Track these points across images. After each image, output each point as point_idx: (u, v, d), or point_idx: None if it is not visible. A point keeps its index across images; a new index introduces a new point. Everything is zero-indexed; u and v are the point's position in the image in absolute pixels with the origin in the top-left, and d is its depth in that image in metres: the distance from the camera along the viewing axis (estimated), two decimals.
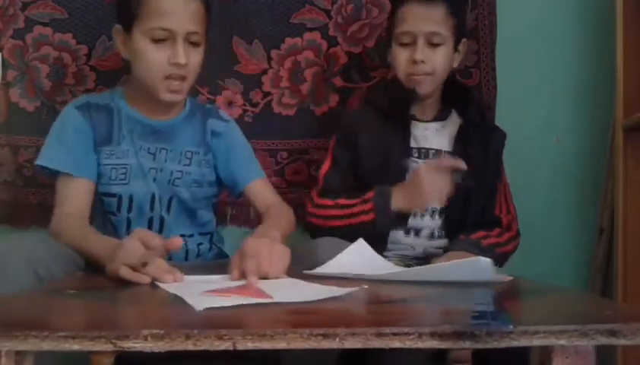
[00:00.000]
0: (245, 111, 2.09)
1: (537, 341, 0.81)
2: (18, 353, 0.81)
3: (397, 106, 1.80)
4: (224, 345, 0.78)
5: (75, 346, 0.77)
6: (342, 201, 1.71)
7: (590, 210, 2.14)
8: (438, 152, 1.81)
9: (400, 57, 1.77)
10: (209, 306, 0.97)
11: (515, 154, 2.04)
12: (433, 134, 1.84)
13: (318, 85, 2.11)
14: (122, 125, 1.70)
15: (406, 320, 0.94)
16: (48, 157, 1.65)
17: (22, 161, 2.03)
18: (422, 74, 1.75)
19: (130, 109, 1.72)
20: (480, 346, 0.80)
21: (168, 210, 1.73)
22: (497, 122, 2.08)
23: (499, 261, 1.69)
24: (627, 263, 1.89)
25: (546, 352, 0.86)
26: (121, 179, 1.68)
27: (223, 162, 1.80)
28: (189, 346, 0.78)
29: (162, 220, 1.72)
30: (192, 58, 1.64)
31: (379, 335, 0.79)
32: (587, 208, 2.15)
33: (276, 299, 1.05)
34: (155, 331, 0.78)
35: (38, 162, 1.66)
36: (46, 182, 2.02)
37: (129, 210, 1.69)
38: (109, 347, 0.78)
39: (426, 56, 1.73)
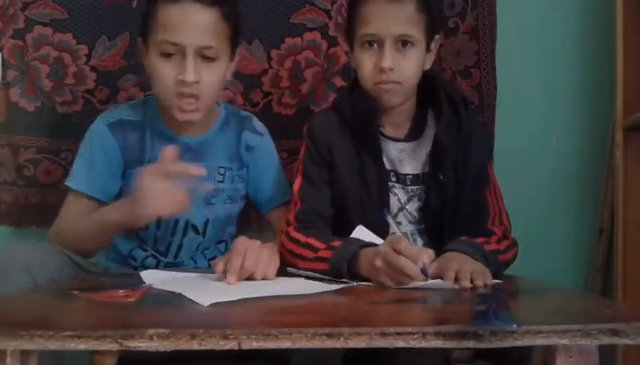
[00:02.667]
0: (238, 109, 2.09)
1: (540, 341, 0.81)
2: (23, 352, 0.82)
3: (362, 118, 1.59)
4: (229, 345, 0.78)
5: (81, 345, 0.77)
6: (312, 241, 1.47)
7: (590, 210, 2.14)
8: (414, 177, 1.62)
9: (365, 63, 1.54)
10: (215, 301, 0.98)
11: (515, 154, 2.05)
12: (409, 157, 1.64)
13: (318, 85, 2.11)
14: (155, 145, 1.63)
15: (410, 320, 0.94)
16: (78, 180, 1.61)
17: (22, 161, 2.03)
18: (391, 82, 1.53)
19: (163, 126, 1.64)
20: (483, 345, 0.80)
21: (204, 231, 1.70)
22: (497, 122, 2.09)
23: (500, 268, 1.50)
24: (627, 263, 1.89)
25: (549, 351, 0.86)
26: None
27: (253, 179, 1.75)
28: (194, 345, 0.78)
29: (179, 247, 1.70)
30: (206, 76, 1.51)
31: (383, 335, 0.79)
32: (587, 208, 2.15)
33: (274, 293, 1.10)
34: (160, 330, 0.78)
35: (69, 184, 1.62)
36: (47, 182, 2.03)
37: (157, 228, 1.66)
38: (115, 347, 0.78)
39: (395, 63, 1.51)
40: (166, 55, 1.50)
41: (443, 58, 2.10)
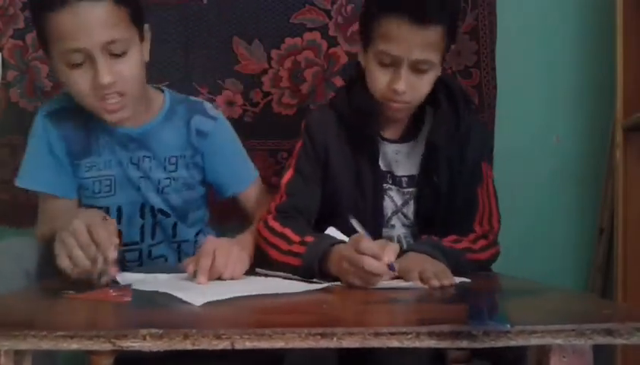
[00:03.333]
0: (245, 111, 2.09)
1: (534, 341, 0.81)
2: (17, 352, 0.82)
3: (360, 119, 1.57)
4: (222, 344, 0.78)
5: (74, 345, 0.77)
6: (287, 231, 1.45)
7: (590, 210, 2.14)
8: (410, 179, 1.61)
9: (379, 78, 1.50)
10: (208, 300, 0.99)
11: (515, 154, 2.05)
12: (405, 158, 1.63)
13: (318, 85, 2.11)
14: (99, 135, 1.57)
15: (403, 320, 0.94)
16: (25, 178, 1.58)
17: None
18: (402, 102, 1.51)
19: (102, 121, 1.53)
20: (477, 345, 0.80)
21: (159, 215, 1.65)
22: (497, 122, 2.09)
23: (467, 267, 1.44)
24: (627, 263, 1.89)
25: (544, 351, 0.86)
26: (107, 191, 1.58)
27: (210, 165, 1.67)
28: (188, 345, 0.78)
29: (154, 227, 1.66)
30: (121, 71, 1.41)
31: (377, 335, 0.79)
32: (587, 208, 2.15)
33: (266, 291, 1.12)
34: (153, 330, 0.78)
35: (18, 184, 1.58)
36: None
37: (119, 221, 1.60)
38: (108, 347, 0.78)
39: (410, 85, 1.47)
40: (74, 66, 1.38)
41: None
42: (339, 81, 2.10)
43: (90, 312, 0.97)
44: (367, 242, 1.23)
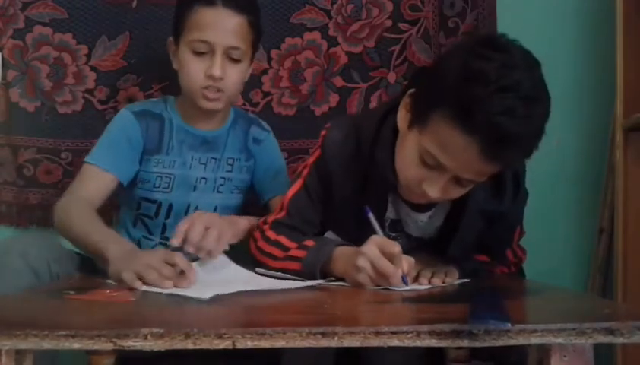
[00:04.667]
0: (245, 111, 2.09)
1: (534, 340, 0.81)
2: (18, 352, 0.82)
3: (380, 173, 1.40)
4: (224, 344, 0.78)
5: (75, 345, 0.77)
6: (282, 239, 1.43)
7: (590, 210, 2.14)
8: (419, 238, 1.50)
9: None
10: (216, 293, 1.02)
11: None
12: (419, 227, 1.50)
13: (318, 85, 2.11)
14: (173, 136, 1.77)
15: (404, 319, 0.94)
16: (98, 156, 1.68)
17: (22, 161, 2.03)
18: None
19: (181, 121, 1.78)
20: (477, 344, 0.81)
21: None
22: None
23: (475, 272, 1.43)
24: (627, 263, 1.89)
25: (544, 350, 0.86)
26: (165, 187, 1.75)
27: (261, 169, 1.87)
28: (189, 345, 0.78)
29: None
30: (230, 74, 1.66)
31: (378, 334, 0.79)
32: (587, 208, 2.15)
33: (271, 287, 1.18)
34: (155, 330, 0.78)
35: (88, 159, 1.68)
36: (47, 182, 2.03)
37: (167, 216, 1.77)
38: (109, 346, 0.78)
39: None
40: (197, 53, 1.64)
41: None
42: (339, 81, 2.10)
43: (91, 311, 0.97)
44: (400, 250, 1.23)
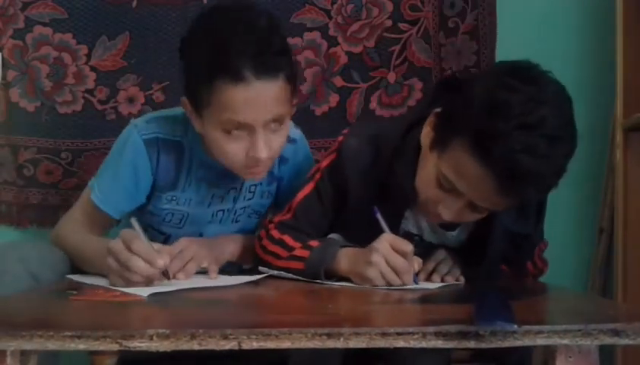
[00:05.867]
0: None
1: (540, 341, 0.81)
2: (23, 352, 0.82)
3: (399, 189, 1.38)
4: (229, 345, 0.78)
5: (81, 345, 0.77)
6: (286, 238, 1.41)
7: (591, 210, 2.14)
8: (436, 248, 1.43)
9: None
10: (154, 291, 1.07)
11: None
12: (447, 238, 1.47)
13: (318, 85, 2.11)
14: (192, 171, 1.53)
15: (410, 319, 0.94)
16: (101, 195, 1.51)
17: (22, 161, 2.03)
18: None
19: (204, 154, 1.50)
20: (484, 345, 0.80)
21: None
22: None
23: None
24: (627, 263, 1.90)
25: (550, 351, 0.86)
26: (176, 223, 1.58)
27: (287, 185, 1.64)
28: (194, 345, 0.78)
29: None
30: (275, 144, 1.39)
31: (383, 335, 0.79)
32: (587, 208, 2.15)
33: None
34: (161, 330, 0.78)
35: (93, 197, 1.51)
36: (47, 182, 2.03)
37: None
38: (115, 347, 0.78)
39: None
40: (231, 132, 1.35)
41: (443, 58, 2.10)
42: (339, 81, 2.10)
43: (96, 312, 0.97)
44: (409, 246, 1.23)
